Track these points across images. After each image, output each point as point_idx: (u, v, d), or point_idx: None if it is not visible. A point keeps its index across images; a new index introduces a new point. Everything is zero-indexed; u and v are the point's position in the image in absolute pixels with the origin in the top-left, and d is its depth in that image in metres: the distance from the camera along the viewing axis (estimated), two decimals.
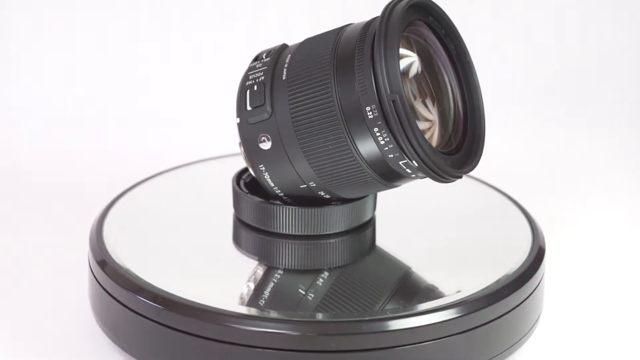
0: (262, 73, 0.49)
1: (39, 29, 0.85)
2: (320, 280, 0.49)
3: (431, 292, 0.48)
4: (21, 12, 0.85)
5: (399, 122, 0.44)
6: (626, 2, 0.90)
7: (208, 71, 0.86)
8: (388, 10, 0.46)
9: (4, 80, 0.84)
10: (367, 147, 0.46)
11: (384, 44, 0.45)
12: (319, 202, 0.50)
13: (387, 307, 0.46)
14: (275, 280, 0.49)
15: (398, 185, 0.49)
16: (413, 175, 0.47)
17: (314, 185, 0.48)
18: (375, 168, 0.47)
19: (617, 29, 0.90)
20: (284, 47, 0.50)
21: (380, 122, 0.45)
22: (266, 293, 0.48)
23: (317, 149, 0.47)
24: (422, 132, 0.46)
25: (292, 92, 0.47)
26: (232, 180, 0.53)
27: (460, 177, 0.47)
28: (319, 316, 0.46)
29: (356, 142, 0.46)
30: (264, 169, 0.49)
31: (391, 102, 0.44)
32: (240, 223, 0.52)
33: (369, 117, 0.45)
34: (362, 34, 0.46)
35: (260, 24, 0.87)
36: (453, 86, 0.49)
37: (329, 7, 0.86)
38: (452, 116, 0.49)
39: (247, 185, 0.53)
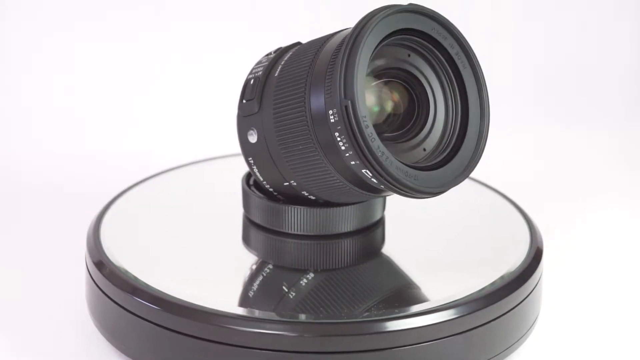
0: (262, 68, 0.49)
1: (37, 28, 0.85)
2: (304, 280, 0.49)
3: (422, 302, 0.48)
4: (20, 12, 0.85)
5: (349, 128, 0.44)
6: (627, 2, 0.90)
7: (208, 70, 0.86)
8: (368, 16, 0.45)
9: (3, 80, 0.84)
10: (331, 152, 0.45)
11: (350, 49, 0.44)
12: (307, 202, 0.50)
13: (369, 311, 0.46)
14: (266, 279, 0.49)
15: (383, 196, 0.49)
16: (382, 186, 0.46)
17: (295, 184, 0.49)
18: (344, 175, 0.46)
19: (618, 29, 0.90)
20: (294, 45, 0.50)
21: (340, 127, 0.44)
22: (254, 292, 0.48)
23: (291, 147, 0.47)
24: (382, 142, 0.45)
25: (276, 90, 0.48)
26: (243, 177, 0.53)
27: (430, 194, 0.46)
28: (318, 318, 0.46)
29: (322, 145, 0.46)
30: (252, 162, 0.50)
31: (344, 108, 0.44)
32: (249, 222, 0.52)
33: (331, 120, 0.44)
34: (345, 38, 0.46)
35: (264, 22, 0.87)
36: (456, 101, 0.48)
37: (340, 8, 0.86)
38: (447, 131, 0.48)
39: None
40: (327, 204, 0.50)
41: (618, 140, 0.84)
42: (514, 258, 0.51)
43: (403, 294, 0.49)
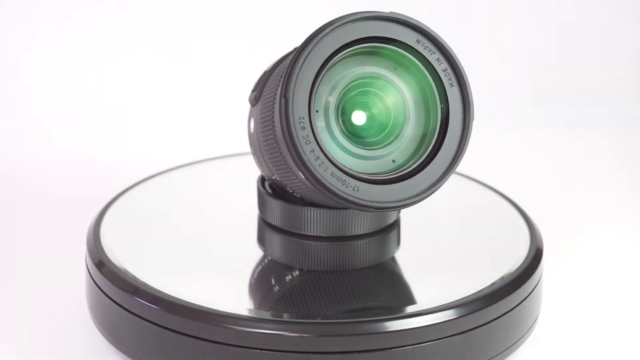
0: (273, 63, 0.49)
1: (37, 27, 0.85)
2: (289, 276, 0.49)
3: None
4: (20, 11, 0.85)
5: (284, 127, 0.43)
6: (627, 3, 0.90)
7: (209, 69, 0.86)
8: (331, 21, 0.44)
9: (3, 80, 0.84)
10: (285, 150, 0.44)
11: (300, 50, 0.43)
12: (297, 201, 0.49)
13: (350, 312, 0.46)
14: (264, 278, 0.49)
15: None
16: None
17: (278, 179, 0.48)
18: (299, 176, 0.45)
19: (620, 30, 0.90)
20: None
21: None
22: (251, 291, 0.49)
23: (266, 141, 0.46)
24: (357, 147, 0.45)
25: (268, 84, 0.48)
26: (258, 178, 0.53)
27: (369, 208, 0.44)
28: (320, 318, 0.46)
29: (280, 143, 0.45)
30: (252, 152, 0.50)
31: (281, 106, 0.43)
32: (264, 223, 0.52)
33: None
34: None
35: (265, 21, 0.87)
36: (435, 119, 0.46)
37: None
38: (421, 148, 0.46)
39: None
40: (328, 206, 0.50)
41: (619, 140, 0.84)
42: (514, 258, 0.51)
43: (389, 298, 0.49)
